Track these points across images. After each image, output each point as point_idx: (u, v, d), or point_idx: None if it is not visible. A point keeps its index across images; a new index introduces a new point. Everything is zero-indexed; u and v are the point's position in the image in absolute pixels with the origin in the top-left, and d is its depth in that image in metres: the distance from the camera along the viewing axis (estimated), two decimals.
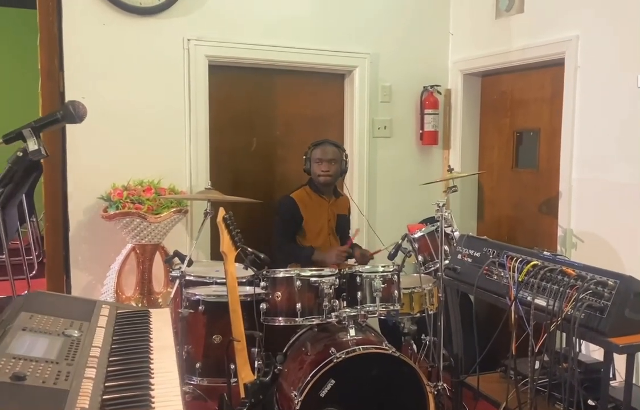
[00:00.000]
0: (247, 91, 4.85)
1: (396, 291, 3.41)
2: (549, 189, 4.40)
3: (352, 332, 3.28)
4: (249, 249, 3.23)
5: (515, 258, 2.52)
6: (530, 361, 2.32)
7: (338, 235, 4.34)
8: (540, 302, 2.31)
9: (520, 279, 2.41)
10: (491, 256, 2.69)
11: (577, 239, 4.00)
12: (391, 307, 3.42)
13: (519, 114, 4.79)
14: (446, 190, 3.97)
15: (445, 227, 3.63)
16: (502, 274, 2.56)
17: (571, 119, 4.03)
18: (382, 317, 3.98)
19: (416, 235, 3.82)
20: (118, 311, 2.18)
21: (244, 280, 3.57)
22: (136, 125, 4.35)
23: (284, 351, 3.48)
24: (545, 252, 2.87)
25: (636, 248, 3.63)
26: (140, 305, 4.23)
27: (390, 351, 3.12)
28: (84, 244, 4.31)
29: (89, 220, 4.27)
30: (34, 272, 5.79)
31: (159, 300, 4.30)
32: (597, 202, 3.90)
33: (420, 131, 5.19)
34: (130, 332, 1.94)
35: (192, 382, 3.37)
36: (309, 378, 3.01)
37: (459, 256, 2.94)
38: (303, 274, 3.24)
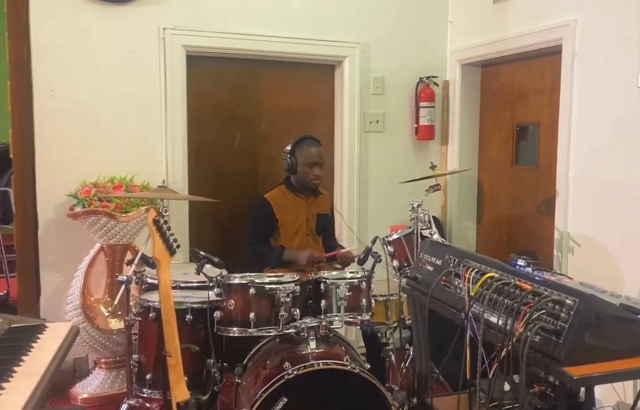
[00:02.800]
0: (229, 83, 4.61)
1: (364, 299, 3.12)
2: (548, 187, 4.05)
3: (312, 344, 3.00)
4: (201, 252, 3.00)
5: (471, 268, 2.21)
6: (477, 383, 2.01)
7: (320, 236, 4.06)
8: (493, 319, 2.01)
9: (473, 293, 2.11)
10: (451, 265, 2.39)
11: (574, 243, 3.66)
12: (359, 317, 3.13)
13: (519, 106, 4.45)
14: (428, 189, 3.65)
15: (422, 229, 3.33)
16: (461, 286, 2.26)
17: (568, 111, 3.68)
18: (358, 327, 3.70)
19: (391, 238, 3.53)
20: (11, 326, 1.96)
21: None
22: (109, 119, 4.15)
23: (244, 363, 3.23)
24: (519, 261, 2.57)
25: (637, 253, 3.28)
26: (109, 308, 4.04)
27: (350, 367, 2.83)
28: (54, 243, 4.13)
29: (59, 219, 4.08)
30: None
31: (131, 304, 4.10)
32: (595, 202, 3.55)
33: (415, 125, 4.87)
34: (1, 354, 1.71)
35: (143, 395, 3.14)
36: (258, 395, 2.76)
37: (421, 264, 2.64)
38: (258, 280, 2.97)
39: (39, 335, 1.88)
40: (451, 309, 2.34)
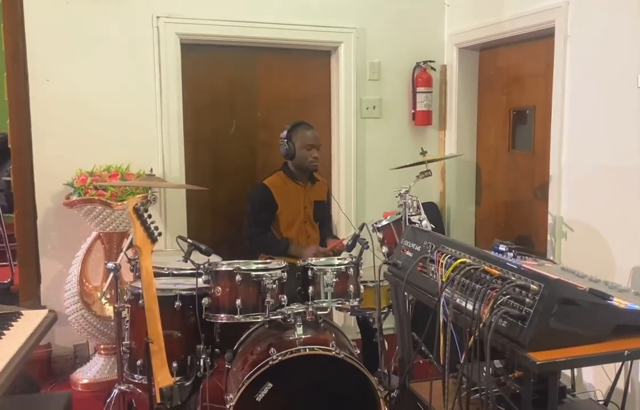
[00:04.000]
0: (224, 71, 4.61)
1: (352, 286, 3.13)
2: (543, 173, 4.01)
3: (299, 330, 3.02)
4: (188, 239, 3.02)
5: (445, 254, 2.21)
6: (446, 367, 2.01)
7: (317, 222, 4.08)
8: (463, 304, 2.01)
9: (444, 278, 2.11)
10: (429, 251, 2.39)
11: (567, 228, 3.63)
12: (347, 303, 3.15)
13: (515, 90, 4.40)
14: (418, 175, 3.64)
15: (411, 215, 3.32)
16: (435, 271, 2.26)
17: (561, 95, 3.64)
18: (348, 313, 3.71)
19: (380, 225, 3.53)
20: None
21: None
22: (104, 109, 4.18)
23: (234, 348, 3.25)
24: (501, 246, 2.56)
25: (628, 238, 3.25)
26: (107, 295, 4.09)
27: (334, 352, 2.85)
28: (53, 232, 4.19)
29: (57, 207, 4.14)
30: None
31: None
32: (588, 187, 3.52)
33: (413, 111, 4.84)
34: None
35: (134, 381, 3.18)
36: (244, 380, 2.79)
37: (401, 250, 2.64)
38: (244, 267, 2.99)
39: (12, 323, 1.91)
40: (427, 294, 2.34)
